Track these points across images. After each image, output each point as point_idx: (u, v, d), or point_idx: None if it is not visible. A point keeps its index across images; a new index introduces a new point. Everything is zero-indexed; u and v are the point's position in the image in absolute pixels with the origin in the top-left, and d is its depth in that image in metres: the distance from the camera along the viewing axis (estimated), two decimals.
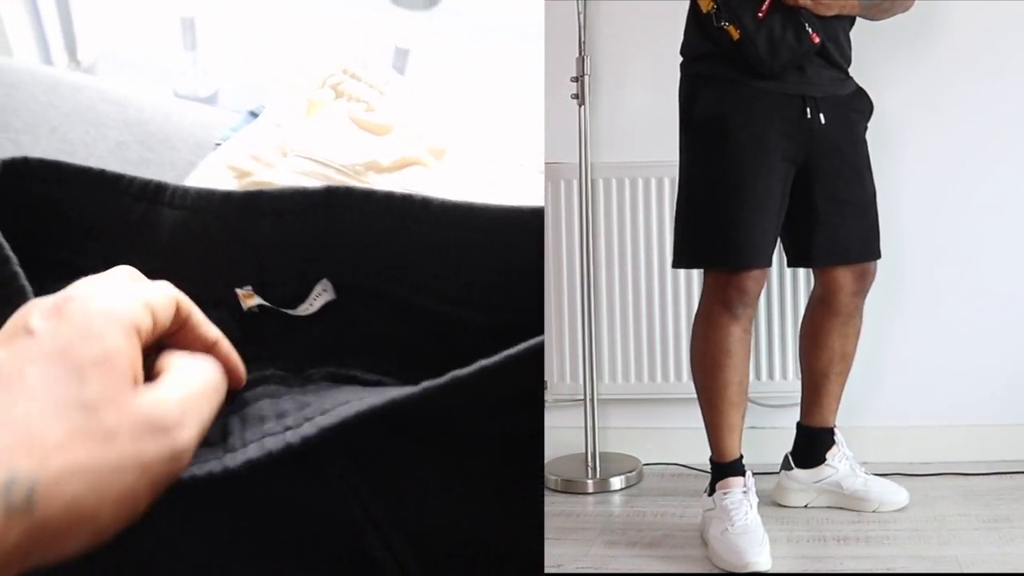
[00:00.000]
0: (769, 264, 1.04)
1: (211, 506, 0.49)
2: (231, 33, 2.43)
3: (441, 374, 0.49)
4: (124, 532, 0.44)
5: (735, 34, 1.00)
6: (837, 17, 1.03)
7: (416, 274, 0.56)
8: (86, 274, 0.49)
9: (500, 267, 0.55)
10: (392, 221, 0.56)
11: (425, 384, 0.46)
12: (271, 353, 0.56)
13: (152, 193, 0.59)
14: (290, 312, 0.57)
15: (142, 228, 0.58)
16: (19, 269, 0.51)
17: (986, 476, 1.23)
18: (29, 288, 0.51)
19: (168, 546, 0.49)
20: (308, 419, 0.48)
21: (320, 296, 0.57)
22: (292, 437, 0.47)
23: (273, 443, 0.47)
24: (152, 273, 0.51)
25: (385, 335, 0.57)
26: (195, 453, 0.45)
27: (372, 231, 0.56)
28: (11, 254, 0.51)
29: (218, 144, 0.94)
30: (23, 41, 1.93)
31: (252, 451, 0.47)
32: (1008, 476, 1.23)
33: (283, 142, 0.81)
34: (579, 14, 1.28)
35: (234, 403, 0.52)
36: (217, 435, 0.50)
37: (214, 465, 0.47)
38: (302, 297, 0.57)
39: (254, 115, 0.97)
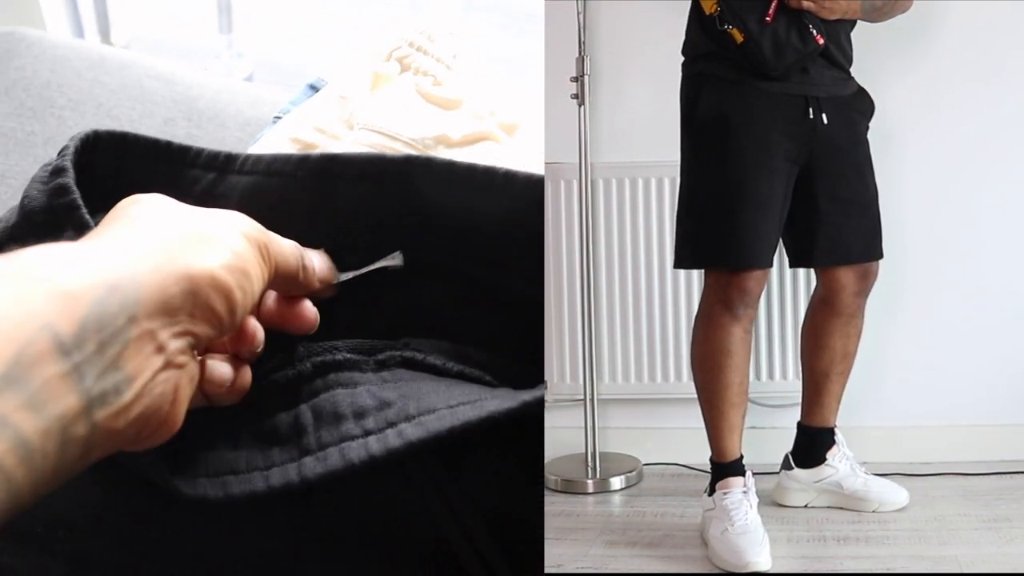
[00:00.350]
0: (770, 264, 1.04)
1: (288, 508, 0.48)
2: (266, 16, 2.40)
3: (519, 355, 0.50)
4: (203, 538, 0.48)
5: (739, 37, 1.00)
6: (839, 20, 1.03)
7: (496, 251, 0.54)
8: None
9: None
10: (473, 194, 0.54)
11: (524, 398, 0.45)
12: (341, 324, 0.55)
13: (222, 163, 0.57)
14: (345, 277, 0.55)
15: (209, 198, 0.57)
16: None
17: (986, 476, 1.23)
18: None
19: (246, 549, 0.49)
20: (391, 424, 0.46)
21: (385, 261, 0.55)
22: (376, 448, 0.45)
23: (355, 452, 0.45)
24: None
25: (461, 312, 0.55)
26: (268, 453, 0.47)
27: (452, 203, 0.54)
28: (90, 221, 0.51)
29: (277, 118, 0.91)
30: (57, 22, 1.91)
31: (332, 460, 0.45)
32: (1008, 476, 1.23)
33: (349, 115, 0.79)
34: (579, 14, 1.28)
35: (303, 390, 0.50)
36: (289, 429, 0.48)
37: (292, 473, 0.45)
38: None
39: (314, 89, 0.94)
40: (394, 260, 0.55)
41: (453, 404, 0.46)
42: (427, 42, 0.85)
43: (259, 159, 0.57)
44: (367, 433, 0.46)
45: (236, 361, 0.50)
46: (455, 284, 0.55)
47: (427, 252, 0.55)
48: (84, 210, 0.51)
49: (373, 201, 0.55)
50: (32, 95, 1.05)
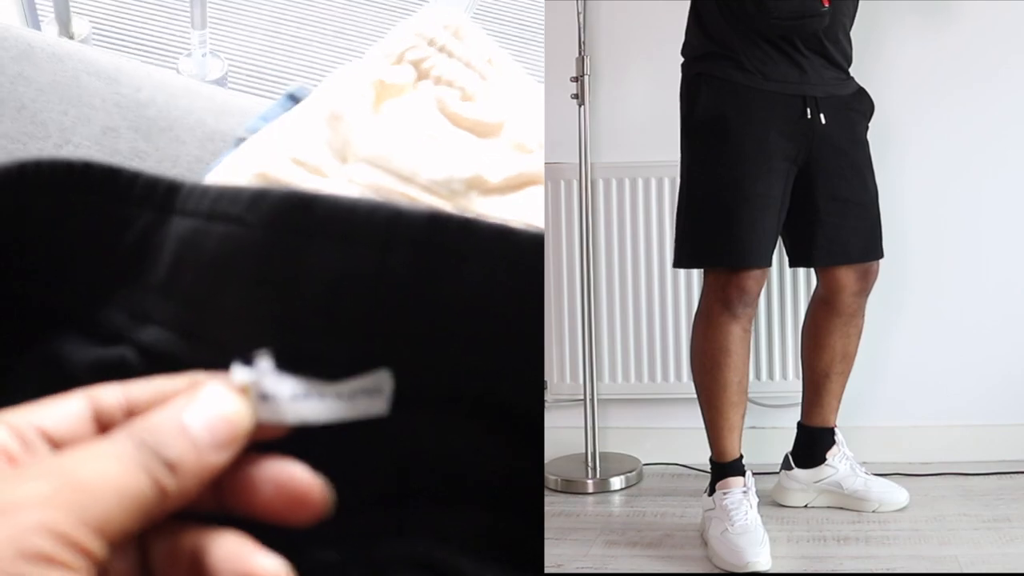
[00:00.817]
0: (769, 264, 1.04)
1: None
2: (247, 11, 2.19)
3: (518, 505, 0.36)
4: None
5: None
6: (840, 17, 1.03)
7: (508, 362, 0.36)
8: (61, 321, 0.39)
9: None
10: (532, 283, 0.36)
11: None
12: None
13: (163, 197, 0.40)
14: (290, 420, 0.34)
15: (143, 254, 0.40)
16: None
17: (986, 476, 1.23)
18: None
19: None
20: None
21: (361, 404, 0.35)
22: None
23: None
24: (148, 319, 0.38)
25: (489, 467, 0.38)
26: None
27: (498, 299, 0.35)
28: None
29: (242, 139, 0.70)
30: (6, 9, 1.70)
31: None
32: (1008, 476, 1.23)
33: (342, 141, 0.57)
34: (579, 14, 1.28)
35: None
36: None
37: None
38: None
39: (295, 100, 0.73)
40: (376, 399, 0.35)
41: None
42: (453, 40, 0.62)
43: (204, 193, 0.40)
44: None
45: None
46: (489, 425, 0.37)
47: (441, 372, 0.36)
48: None
49: (367, 278, 0.36)
50: None
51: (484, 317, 0.36)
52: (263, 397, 0.34)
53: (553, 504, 1.22)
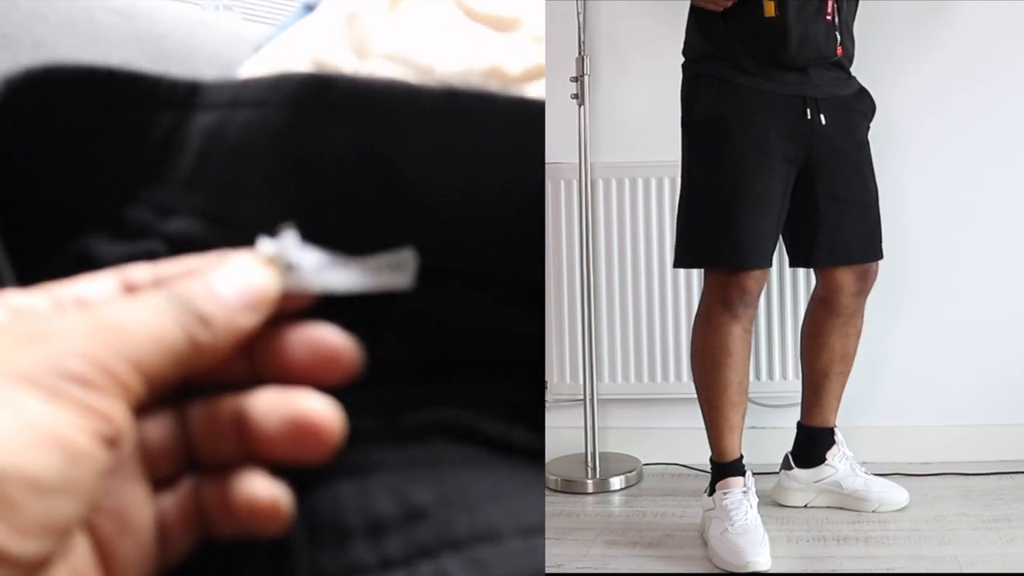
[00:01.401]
0: (769, 264, 1.04)
1: None
2: None
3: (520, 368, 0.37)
4: None
5: (771, 10, 0.99)
6: (844, 15, 1.03)
7: (521, 237, 0.37)
8: (88, 220, 0.39)
9: None
10: (536, 150, 0.36)
11: None
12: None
13: (184, 96, 0.41)
14: (309, 289, 0.35)
15: (168, 151, 0.41)
16: None
17: (986, 476, 1.23)
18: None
19: None
20: (425, 553, 0.31)
21: (385, 276, 0.36)
22: None
23: None
24: (174, 211, 0.39)
25: (504, 332, 0.38)
26: None
27: (513, 166, 0.36)
28: None
29: (261, 47, 0.71)
30: None
31: None
32: (1008, 476, 1.23)
33: (360, 39, 0.58)
34: (579, 14, 1.28)
35: (298, 480, 0.34)
36: (266, 547, 0.33)
37: None
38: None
39: (311, 10, 0.73)
40: (400, 273, 0.36)
41: (526, 527, 0.32)
42: None
43: (223, 87, 0.41)
44: (386, 565, 0.31)
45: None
46: (488, 293, 0.38)
47: (461, 247, 0.37)
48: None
49: (385, 149, 0.36)
50: None
51: (499, 190, 0.36)
52: (289, 266, 0.35)
53: (553, 504, 1.22)
